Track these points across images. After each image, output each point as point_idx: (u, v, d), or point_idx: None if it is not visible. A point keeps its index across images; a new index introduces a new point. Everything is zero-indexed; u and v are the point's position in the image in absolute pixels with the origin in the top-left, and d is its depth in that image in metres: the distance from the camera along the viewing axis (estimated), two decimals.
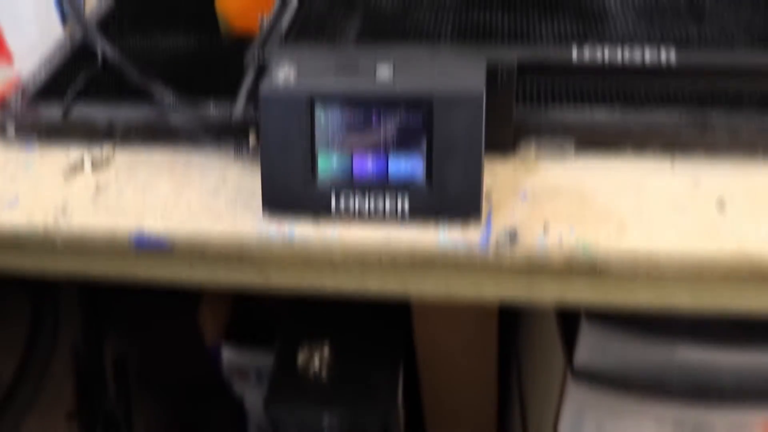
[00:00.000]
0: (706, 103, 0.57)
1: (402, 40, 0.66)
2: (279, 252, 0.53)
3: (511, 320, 1.11)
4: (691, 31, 0.65)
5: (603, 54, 0.52)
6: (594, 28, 0.66)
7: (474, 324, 1.02)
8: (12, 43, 0.70)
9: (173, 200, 0.57)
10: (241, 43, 0.70)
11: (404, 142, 0.51)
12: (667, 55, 0.52)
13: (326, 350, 1.01)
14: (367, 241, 0.52)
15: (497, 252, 0.50)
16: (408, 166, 0.51)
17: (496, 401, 1.14)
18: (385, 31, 0.67)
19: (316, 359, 1.00)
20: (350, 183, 0.52)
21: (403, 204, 0.51)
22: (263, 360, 1.11)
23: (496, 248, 0.50)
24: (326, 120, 0.51)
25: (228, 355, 1.13)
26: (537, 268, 0.54)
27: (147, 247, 0.55)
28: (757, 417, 0.78)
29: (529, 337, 1.01)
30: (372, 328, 1.04)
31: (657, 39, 0.64)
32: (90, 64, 0.69)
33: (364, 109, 0.50)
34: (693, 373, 0.73)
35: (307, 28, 0.66)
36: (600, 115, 0.57)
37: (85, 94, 0.65)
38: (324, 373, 0.99)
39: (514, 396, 1.12)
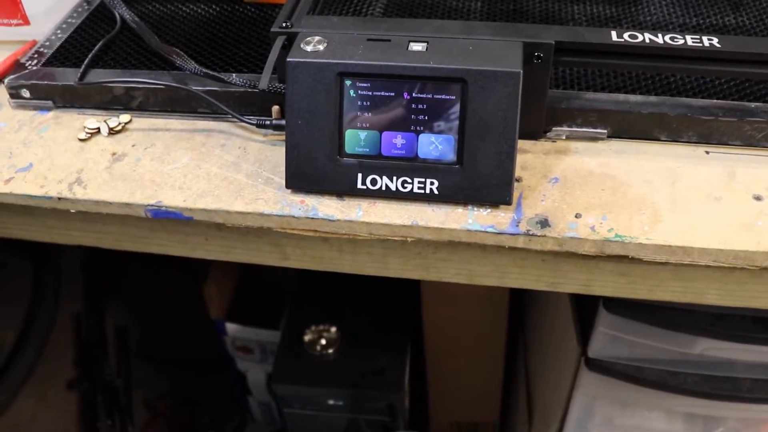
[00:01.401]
0: (744, 92, 0.55)
1: (430, 15, 0.64)
2: (301, 229, 0.52)
3: (519, 301, 1.10)
4: (728, 19, 0.63)
5: (643, 37, 0.50)
6: (628, 12, 0.64)
7: (484, 306, 1.01)
8: (28, 4, 0.67)
9: (192, 171, 0.55)
10: (265, 9, 0.69)
11: (436, 120, 0.49)
12: (710, 41, 0.50)
13: (333, 330, 1.00)
14: (392, 221, 0.50)
15: (527, 237, 0.49)
16: (439, 145, 0.49)
17: (501, 386, 1.14)
18: (412, 6, 0.65)
19: (323, 339, 0.99)
20: (378, 161, 0.50)
21: (432, 185, 0.50)
22: (268, 336, 1.10)
23: (527, 233, 0.49)
24: (355, 94, 0.49)
25: (232, 330, 1.12)
26: (567, 255, 0.52)
27: (164, 218, 0.54)
28: None
29: (539, 320, 1.00)
30: (380, 310, 1.04)
31: (692, 26, 0.62)
32: (108, 28, 0.68)
33: (396, 84, 0.49)
34: (709, 366, 0.72)
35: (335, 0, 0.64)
36: (634, 101, 0.55)
37: (102, 59, 0.63)
38: (330, 353, 0.98)
39: (520, 380, 1.11)
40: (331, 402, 0.96)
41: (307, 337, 0.99)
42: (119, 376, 1.25)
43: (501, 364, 1.09)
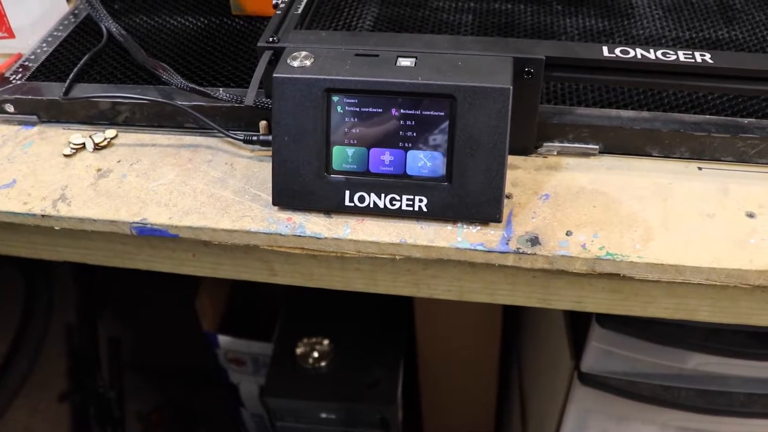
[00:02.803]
0: (737, 107, 0.55)
1: (420, 29, 0.63)
2: (288, 246, 0.51)
3: (513, 314, 1.09)
4: (721, 33, 0.62)
5: (635, 52, 0.50)
6: (620, 26, 0.64)
7: (477, 320, 1.00)
8: (13, 17, 0.67)
9: (178, 188, 0.54)
10: (253, 22, 0.68)
11: (425, 137, 0.48)
12: (702, 56, 0.49)
13: (326, 343, 0.99)
14: (381, 239, 0.49)
15: (517, 256, 0.48)
16: (427, 162, 0.49)
17: (495, 399, 1.13)
18: (402, 19, 0.64)
19: (316, 351, 0.98)
20: (366, 178, 0.49)
21: (421, 202, 0.49)
22: (260, 348, 1.09)
23: (517, 252, 0.48)
24: (343, 110, 0.49)
25: (225, 342, 1.11)
26: (557, 273, 0.52)
27: (149, 235, 0.53)
28: (763, 427, 0.77)
29: (533, 334, 0.99)
30: (373, 322, 1.03)
31: (686, 40, 0.62)
32: (94, 41, 0.67)
33: (384, 100, 0.48)
34: (703, 381, 0.72)
35: (323, 13, 0.63)
36: (626, 117, 0.54)
37: (88, 73, 0.63)
38: (323, 366, 0.97)
39: (513, 393, 1.10)
40: (323, 415, 0.95)
41: (299, 350, 0.98)
42: (112, 387, 1.24)
43: (495, 377, 1.09)
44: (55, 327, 1.22)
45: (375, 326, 1.02)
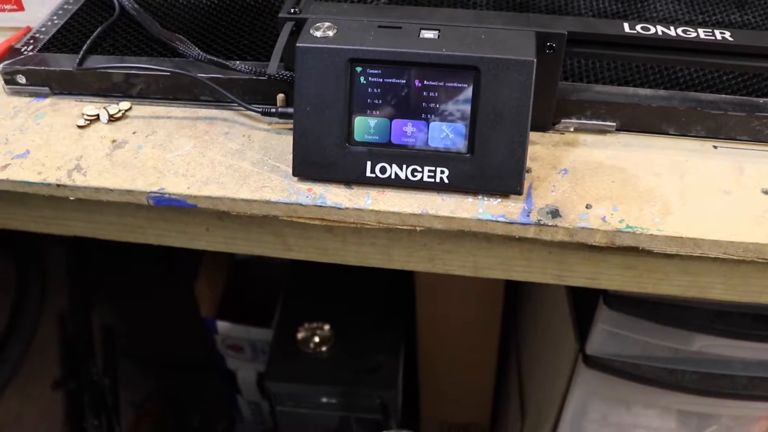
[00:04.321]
0: (753, 87, 0.55)
1: (439, 4, 0.63)
2: (308, 217, 0.51)
3: (513, 301, 1.10)
4: (734, 17, 0.63)
5: (656, 29, 0.50)
6: (634, 8, 0.64)
7: (478, 305, 1.01)
8: None
9: (195, 159, 0.54)
10: None
11: (447, 108, 0.48)
12: (722, 34, 0.50)
13: (327, 328, 0.99)
14: (402, 210, 0.49)
15: (538, 227, 0.48)
16: (450, 134, 0.49)
17: (494, 384, 1.13)
18: None
19: (316, 336, 0.98)
20: (387, 149, 0.50)
21: (442, 173, 0.49)
22: (259, 334, 1.09)
23: (538, 223, 0.48)
24: (366, 81, 0.49)
25: (223, 328, 1.11)
26: (573, 248, 0.52)
27: (166, 206, 0.53)
28: (765, 411, 0.78)
29: (533, 319, 1.00)
30: (374, 307, 1.03)
31: (698, 23, 0.62)
32: (106, 15, 0.66)
33: (408, 72, 0.48)
34: (707, 364, 0.72)
35: None
36: (644, 95, 0.55)
37: (100, 46, 0.62)
38: (324, 351, 0.97)
39: (512, 379, 1.11)
40: (324, 400, 0.95)
41: (300, 335, 0.98)
42: (106, 375, 1.22)
43: (494, 364, 1.09)
44: (48, 314, 1.21)
45: (376, 311, 1.02)
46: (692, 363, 0.73)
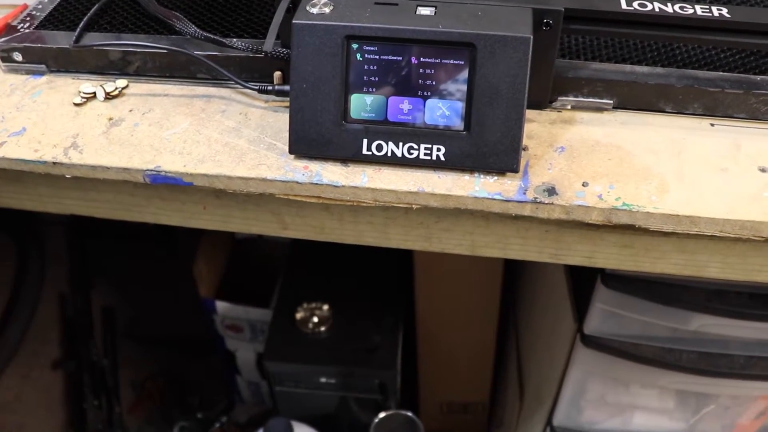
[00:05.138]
0: (750, 65, 0.55)
1: None
2: (304, 195, 0.51)
3: (512, 280, 1.10)
4: None
5: (653, 5, 0.50)
6: None
7: (476, 285, 1.01)
8: None
9: (192, 137, 0.54)
10: None
11: (443, 86, 0.48)
12: (720, 11, 0.50)
13: (325, 308, 0.99)
14: (398, 188, 0.49)
15: (535, 205, 0.48)
16: (446, 111, 0.49)
17: (492, 364, 1.14)
18: None
19: (315, 316, 0.98)
20: (384, 126, 0.49)
21: (439, 151, 0.49)
22: (258, 315, 1.09)
23: (534, 201, 0.48)
24: (362, 58, 0.48)
25: (222, 308, 1.11)
26: (570, 227, 0.52)
27: (162, 183, 0.53)
28: (762, 390, 0.78)
29: (532, 298, 1.00)
30: (373, 288, 1.03)
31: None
32: None
33: (404, 48, 0.48)
34: (705, 344, 0.73)
35: None
36: (641, 72, 0.54)
37: (97, 23, 0.62)
38: (323, 331, 0.97)
39: (511, 359, 1.11)
40: (323, 380, 0.96)
41: (299, 315, 0.98)
42: (106, 356, 1.23)
43: (492, 343, 1.10)
44: (48, 295, 1.21)
45: (375, 291, 1.02)
46: (690, 342, 0.73)
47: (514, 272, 1.10)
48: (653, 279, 0.67)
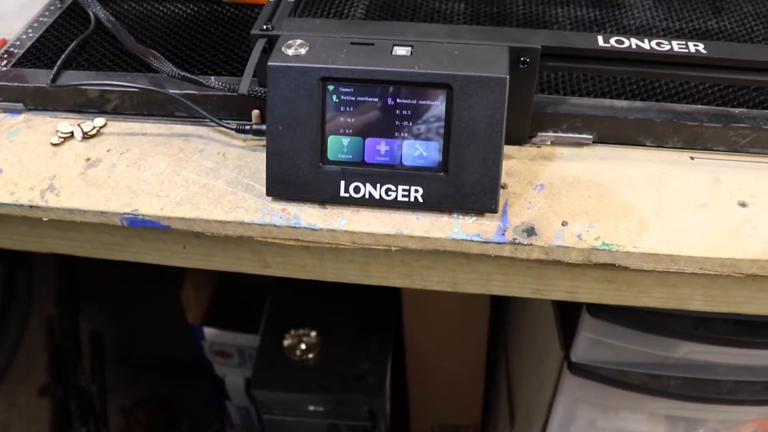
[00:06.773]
0: (728, 97, 0.55)
1: (413, 17, 0.63)
2: (282, 238, 0.50)
3: (501, 305, 1.09)
4: (711, 24, 0.63)
5: (630, 42, 0.50)
6: (611, 16, 0.64)
7: (465, 310, 1.00)
8: None
9: (170, 178, 0.54)
10: (245, 10, 0.67)
11: (420, 126, 0.48)
12: (696, 46, 0.50)
13: (313, 334, 0.98)
14: (376, 230, 0.49)
15: (514, 246, 0.48)
16: (423, 152, 0.49)
17: (482, 390, 1.13)
18: (395, 7, 0.64)
19: (303, 343, 0.98)
20: (361, 168, 0.49)
21: (417, 192, 0.49)
22: (247, 341, 1.09)
23: (513, 242, 0.48)
24: (338, 100, 0.48)
25: (210, 334, 1.11)
26: (552, 264, 0.52)
27: (140, 227, 0.52)
28: (750, 414, 0.78)
29: (521, 324, 1.00)
30: (361, 314, 1.02)
31: (676, 30, 0.62)
32: (82, 27, 0.66)
33: (380, 90, 0.48)
34: (691, 369, 0.72)
35: (316, 0, 0.63)
36: (620, 107, 0.54)
37: (76, 60, 0.62)
38: (311, 358, 0.97)
39: (501, 383, 1.11)
40: (311, 408, 0.95)
41: (286, 342, 0.98)
42: (94, 381, 1.22)
43: (482, 367, 1.09)
44: (35, 319, 1.20)
45: (363, 318, 1.02)
46: (677, 369, 0.73)
47: (502, 297, 1.10)
48: (639, 308, 0.67)
